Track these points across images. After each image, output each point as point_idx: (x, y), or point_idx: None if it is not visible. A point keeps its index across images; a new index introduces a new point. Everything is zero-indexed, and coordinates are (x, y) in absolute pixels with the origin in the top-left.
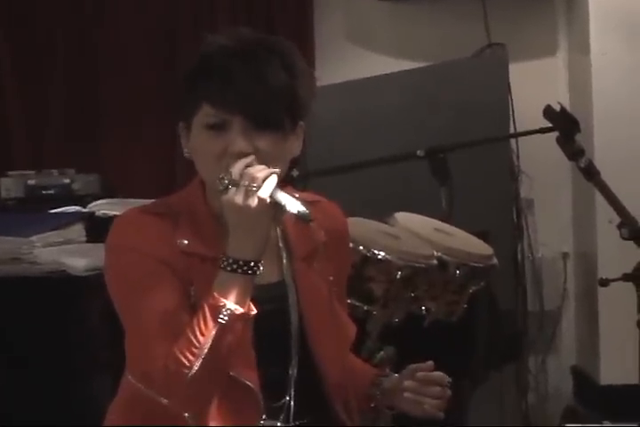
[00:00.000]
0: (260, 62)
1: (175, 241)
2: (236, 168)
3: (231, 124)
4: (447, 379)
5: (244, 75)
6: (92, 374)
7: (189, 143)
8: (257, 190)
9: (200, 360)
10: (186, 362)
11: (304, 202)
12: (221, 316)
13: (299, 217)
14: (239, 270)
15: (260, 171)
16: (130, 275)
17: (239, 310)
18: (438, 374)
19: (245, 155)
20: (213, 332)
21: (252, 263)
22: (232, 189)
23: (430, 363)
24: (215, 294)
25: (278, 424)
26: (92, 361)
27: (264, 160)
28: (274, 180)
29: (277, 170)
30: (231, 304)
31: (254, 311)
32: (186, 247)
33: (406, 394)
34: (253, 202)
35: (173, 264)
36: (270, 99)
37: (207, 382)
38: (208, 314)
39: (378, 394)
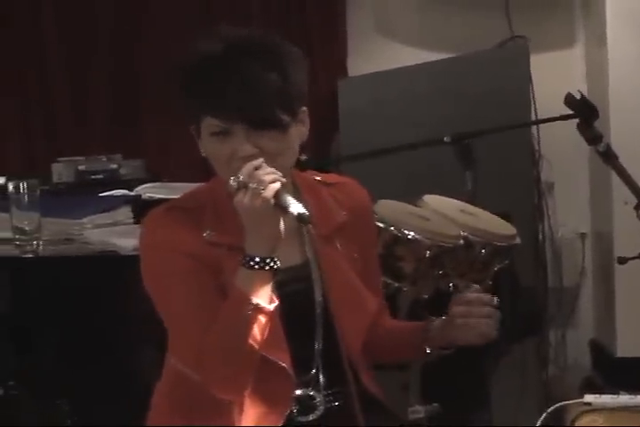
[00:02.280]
0: (244, 67)
1: (202, 233)
2: (245, 171)
3: (234, 130)
4: (495, 300)
5: (234, 85)
6: (139, 347)
7: (202, 146)
8: (262, 192)
9: (228, 350)
10: (216, 352)
11: (325, 183)
12: (244, 309)
13: (299, 219)
14: (256, 267)
15: (266, 174)
16: (160, 270)
17: (260, 303)
18: (486, 295)
19: (252, 156)
20: (238, 325)
21: (268, 260)
22: (241, 191)
23: (476, 286)
24: (238, 290)
25: (311, 393)
26: (139, 335)
27: (270, 156)
28: (278, 184)
29: (284, 179)
30: (253, 298)
31: (275, 304)
32: (212, 238)
33: (458, 320)
34: (259, 203)
35: (202, 256)
36: (263, 102)
37: (238, 370)
38: (232, 308)
39: (429, 337)
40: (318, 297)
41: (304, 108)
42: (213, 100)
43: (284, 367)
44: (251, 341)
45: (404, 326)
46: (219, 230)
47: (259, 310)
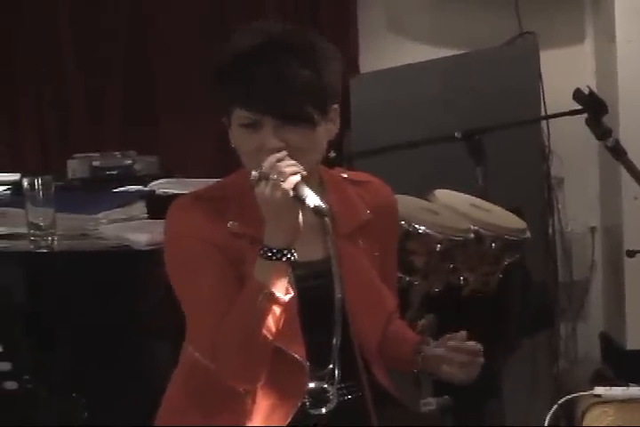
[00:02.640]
0: (280, 62)
1: (226, 224)
2: (268, 162)
3: (262, 123)
4: (479, 347)
5: (266, 77)
6: (153, 341)
7: (232, 136)
8: (282, 184)
9: (243, 341)
10: (230, 342)
11: (352, 181)
12: (260, 299)
13: (315, 211)
14: (273, 258)
15: (288, 166)
16: (184, 259)
17: (275, 294)
18: (469, 343)
19: (278, 150)
20: (253, 315)
21: (285, 251)
22: (262, 182)
23: (463, 333)
24: (255, 279)
25: (325, 386)
26: (154, 329)
27: (297, 152)
28: (298, 176)
29: (304, 172)
30: (267, 289)
31: (291, 295)
32: (236, 229)
33: (442, 366)
34: (278, 194)
35: (225, 246)
36: (294, 97)
37: (252, 360)
38: (248, 298)
39: (419, 361)
40: (338, 293)
41: (336, 107)
42: (245, 91)
43: (298, 360)
44: (265, 331)
45: (402, 336)
46: (242, 222)
47: (274, 300)
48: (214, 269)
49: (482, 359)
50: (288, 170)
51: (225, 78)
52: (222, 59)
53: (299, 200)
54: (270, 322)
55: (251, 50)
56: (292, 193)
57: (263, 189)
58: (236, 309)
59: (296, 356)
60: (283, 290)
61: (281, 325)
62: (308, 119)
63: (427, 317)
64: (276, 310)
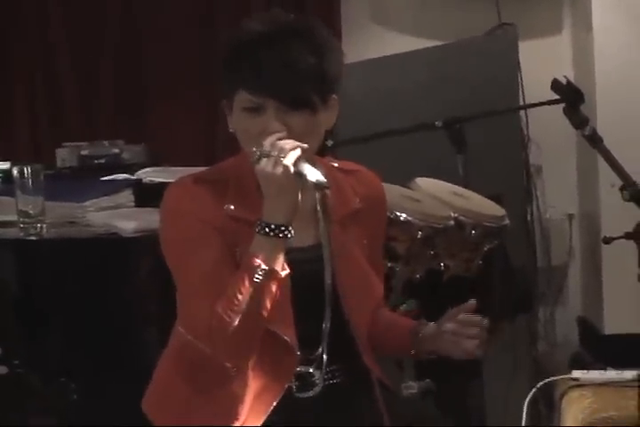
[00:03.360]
0: (288, 48)
1: (223, 206)
2: (268, 141)
3: (265, 106)
4: (485, 321)
5: (273, 61)
6: (141, 327)
7: (232, 120)
8: (283, 159)
9: (239, 316)
10: (226, 318)
11: (343, 170)
12: (256, 276)
13: (316, 185)
14: (271, 234)
15: (287, 143)
16: (181, 237)
17: (272, 270)
18: (477, 317)
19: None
20: (250, 290)
21: (283, 227)
22: (263, 160)
23: (472, 303)
24: (251, 256)
25: (311, 370)
26: (142, 315)
27: (297, 136)
28: (298, 151)
29: (305, 145)
30: (265, 265)
31: (287, 271)
32: (233, 212)
33: (447, 336)
34: (279, 170)
35: (221, 228)
36: (299, 82)
37: (246, 336)
38: (245, 274)
39: (417, 340)
40: (328, 279)
41: (335, 96)
42: (249, 74)
43: (288, 342)
44: (259, 307)
45: (396, 322)
46: (240, 205)
47: (271, 275)
48: (211, 250)
49: (486, 334)
50: (288, 146)
51: (231, 62)
52: (230, 44)
53: (300, 176)
54: (266, 298)
55: (258, 35)
56: (292, 169)
57: (264, 166)
58: (233, 285)
59: (286, 338)
60: (280, 266)
61: (274, 300)
62: (311, 105)
63: (408, 302)
64: (272, 286)
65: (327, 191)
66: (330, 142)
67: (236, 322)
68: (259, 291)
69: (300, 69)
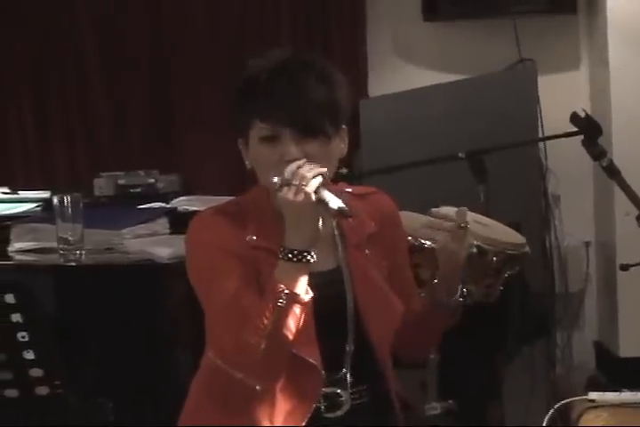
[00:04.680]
0: (300, 78)
1: (244, 237)
2: (289, 169)
3: (282, 135)
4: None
5: (288, 92)
6: (174, 351)
7: (249, 154)
8: (305, 187)
9: (265, 340)
10: (253, 342)
11: (356, 195)
12: (280, 300)
13: (339, 213)
14: (294, 259)
15: (308, 171)
16: (204, 267)
17: (295, 294)
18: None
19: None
20: (274, 314)
21: (305, 253)
22: (285, 188)
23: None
24: (275, 281)
25: (338, 391)
26: (175, 340)
27: (314, 163)
28: (319, 179)
29: (324, 169)
30: (288, 290)
31: (310, 295)
32: (254, 242)
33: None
34: (301, 197)
35: (243, 257)
36: (313, 111)
37: (273, 359)
38: (269, 299)
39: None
40: (350, 302)
41: (345, 127)
42: (264, 103)
43: (314, 364)
44: (285, 330)
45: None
46: (259, 235)
47: (294, 299)
48: (232, 278)
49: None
50: (309, 174)
51: (247, 94)
52: (245, 77)
53: (322, 203)
54: (291, 322)
55: (270, 68)
56: (314, 197)
57: (286, 194)
58: (258, 310)
59: (312, 361)
60: (303, 290)
61: (300, 325)
62: (325, 132)
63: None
64: (296, 310)
65: (350, 219)
66: (344, 170)
67: (263, 345)
68: (283, 315)
69: (314, 98)
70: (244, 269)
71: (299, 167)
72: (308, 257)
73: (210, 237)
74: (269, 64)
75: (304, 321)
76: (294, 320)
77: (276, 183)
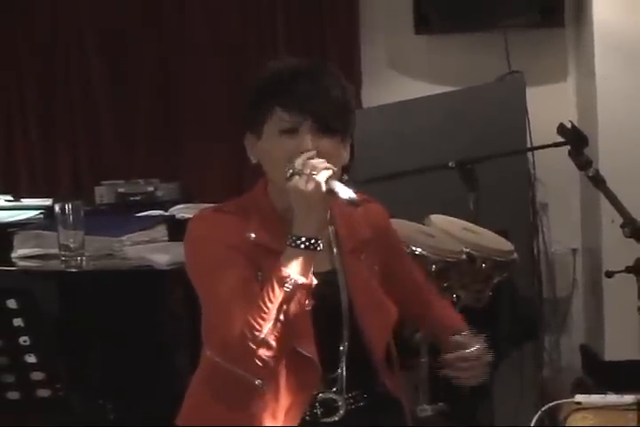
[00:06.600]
0: (321, 78)
1: (245, 235)
2: (300, 159)
3: (301, 127)
4: (478, 350)
5: (310, 86)
6: (173, 353)
7: (258, 149)
8: (316, 177)
9: (269, 324)
10: (257, 326)
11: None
12: (286, 285)
13: (349, 202)
14: (302, 246)
15: (319, 162)
16: (207, 260)
17: (301, 279)
18: (468, 351)
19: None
20: (280, 299)
21: (313, 240)
22: (296, 177)
23: (457, 338)
24: (281, 267)
25: (334, 396)
26: (174, 342)
27: (325, 158)
28: (329, 171)
29: (335, 168)
30: (295, 275)
31: (315, 282)
32: (254, 240)
33: (451, 372)
34: (312, 186)
35: (245, 252)
36: (333, 109)
37: (274, 345)
38: (275, 284)
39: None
40: (344, 301)
41: (349, 139)
42: (287, 94)
43: (310, 358)
44: (289, 316)
45: (441, 324)
46: (260, 232)
47: (300, 284)
48: (237, 268)
49: (487, 358)
50: (321, 165)
51: (269, 90)
52: (265, 76)
53: (331, 193)
54: (294, 307)
55: (293, 69)
56: (324, 186)
57: (297, 182)
58: (263, 295)
59: (309, 355)
60: (309, 277)
61: (303, 310)
62: (339, 131)
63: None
64: (302, 295)
65: (359, 208)
66: (345, 177)
67: (266, 330)
68: (288, 300)
69: (334, 98)
70: (247, 263)
71: (309, 158)
72: (316, 244)
73: (211, 232)
74: (289, 66)
75: (301, 316)
76: (297, 307)
77: (287, 172)
